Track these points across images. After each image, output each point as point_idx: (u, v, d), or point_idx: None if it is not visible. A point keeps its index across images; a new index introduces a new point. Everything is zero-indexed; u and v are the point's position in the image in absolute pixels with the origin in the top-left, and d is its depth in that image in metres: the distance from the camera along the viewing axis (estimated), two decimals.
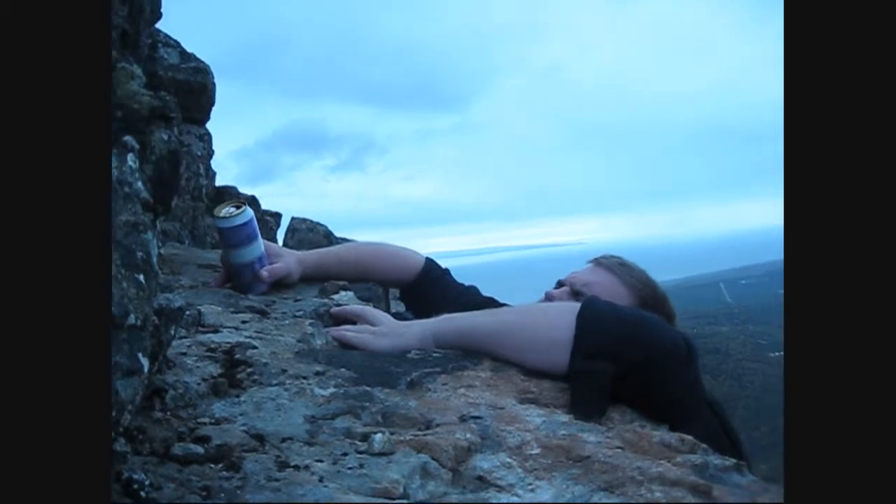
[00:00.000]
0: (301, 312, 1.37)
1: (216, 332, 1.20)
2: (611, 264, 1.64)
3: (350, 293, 1.55)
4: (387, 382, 1.05)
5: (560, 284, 1.65)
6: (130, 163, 0.73)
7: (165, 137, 0.88)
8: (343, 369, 1.08)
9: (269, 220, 5.27)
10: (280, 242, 5.08)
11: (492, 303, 1.87)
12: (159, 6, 2.53)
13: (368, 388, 1.01)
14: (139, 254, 0.67)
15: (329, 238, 5.84)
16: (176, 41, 3.07)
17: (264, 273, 1.56)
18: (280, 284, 1.62)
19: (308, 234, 5.81)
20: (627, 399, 1.08)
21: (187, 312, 1.24)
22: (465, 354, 1.20)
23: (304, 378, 1.03)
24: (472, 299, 1.84)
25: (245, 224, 1.54)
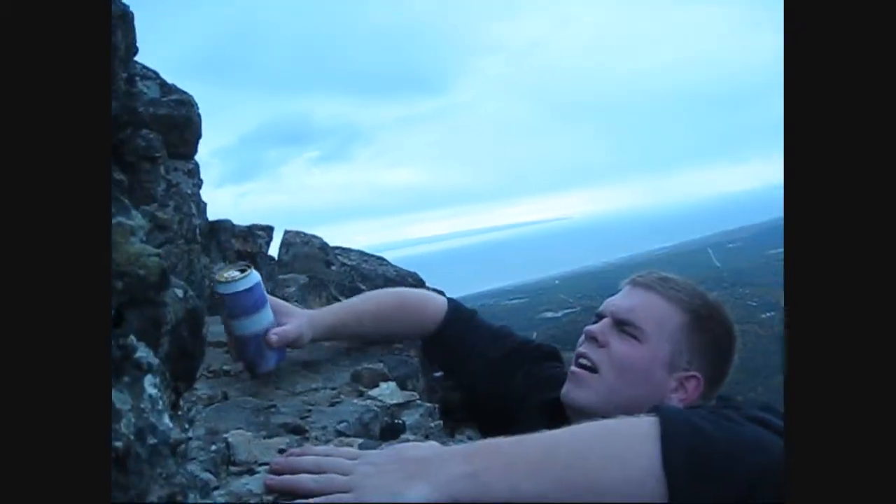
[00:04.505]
0: (344, 424, 1.17)
1: (251, 472, 1.00)
2: (649, 281, 1.45)
3: (392, 384, 1.34)
4: None
5: (599, 317, 1.46)
6: (150, 390, 0.52)
7: (181, 294, 0.67)
8: None
9: (259, 235, 5.05)
10: (275, 258, 4.87)
11: (529, 347, 1.67)
12: (135, 41, 2.30)
13: None
14: None
15: (325, 250, 5.63)
16: (154, 72, 2.82)
17: (273, 337, 1.35)
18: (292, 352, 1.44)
19: (303, 247, 5.59)
20: None
21: (213, 447, 1.04)
22: None
23: None
24: (506, 346, 1.65)
25: (250, 290, 1.32)
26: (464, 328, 1.65)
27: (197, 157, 3.21)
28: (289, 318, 1.43)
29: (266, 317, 1.37)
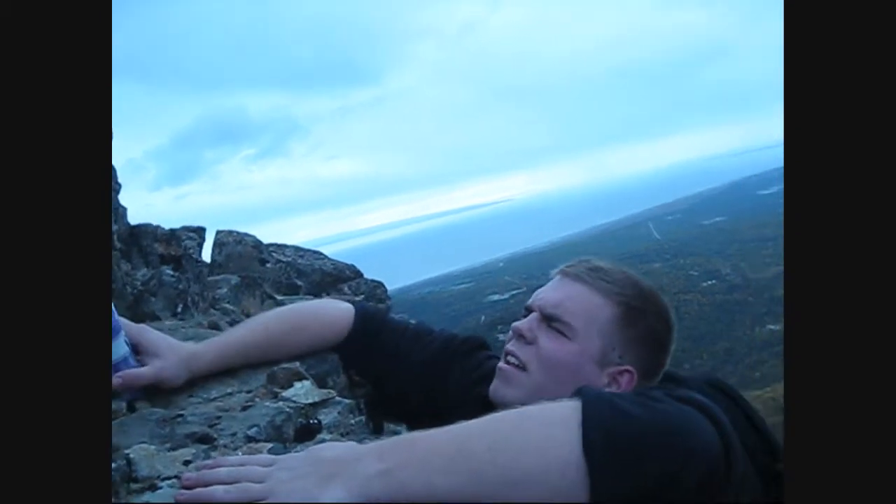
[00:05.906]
0: (255, 429, 1.13)
1: (153, 488, 0.96)
2: (578, 272, 1.37)
3: (307, 383, 1.31)
4: None
5: (528, 310, 1.40)
6: None
7: None
8: None
9: (189, 237, 4.88)
10: (207, 260, 4.68)
11: (455, 342, 1.59)
12: None
13: None
14: None
15: (259, 248, 5.50)
16: None
17: (116, 380, 1.22)
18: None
19: (236, 246, 5.46)
20: None
21: (112, 465, 0.99)
22: None
23: None
24: (431, 347, 1.57)
25: None
26: (378, 331, 1.58)
27: (129, 159, 3.08)
28: (155, 359, 1.31)
29: (119, 348, 1.25)
